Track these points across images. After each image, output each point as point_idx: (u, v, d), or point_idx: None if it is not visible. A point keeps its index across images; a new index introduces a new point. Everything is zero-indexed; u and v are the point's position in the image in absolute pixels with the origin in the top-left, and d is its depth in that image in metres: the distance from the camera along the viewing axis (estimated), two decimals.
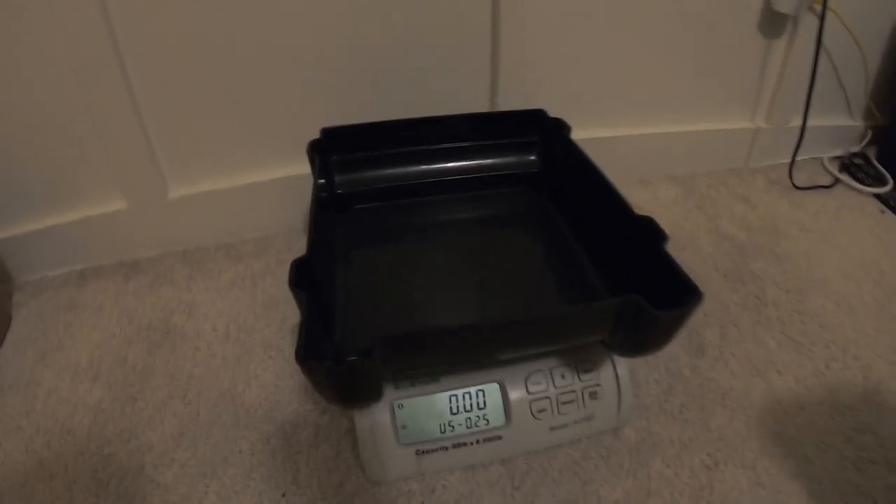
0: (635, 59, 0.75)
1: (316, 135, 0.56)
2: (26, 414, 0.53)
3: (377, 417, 0.43)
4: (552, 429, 0.47)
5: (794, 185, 0.83)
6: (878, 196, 0.81)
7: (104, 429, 0.51)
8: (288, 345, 0.58)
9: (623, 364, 0.48)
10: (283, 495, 0.45)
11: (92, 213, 0.66)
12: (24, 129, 0.60)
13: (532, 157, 0.60)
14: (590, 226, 0.53)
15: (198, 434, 0.50)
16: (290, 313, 0.62)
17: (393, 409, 0.44)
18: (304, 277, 0.39)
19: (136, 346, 0.59)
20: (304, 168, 0.68)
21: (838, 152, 0.90)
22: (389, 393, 0.44)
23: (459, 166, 0.60)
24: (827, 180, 0.85)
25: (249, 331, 0.60)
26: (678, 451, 0.49)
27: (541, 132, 0.59)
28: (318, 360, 0.33)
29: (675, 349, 0.58)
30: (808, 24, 0.75)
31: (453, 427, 0.45)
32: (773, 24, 0.76)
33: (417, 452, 0.44)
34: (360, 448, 0.44)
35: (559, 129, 0.56)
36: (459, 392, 0.45)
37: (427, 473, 0.46)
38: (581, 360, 0.47)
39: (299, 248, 0.71)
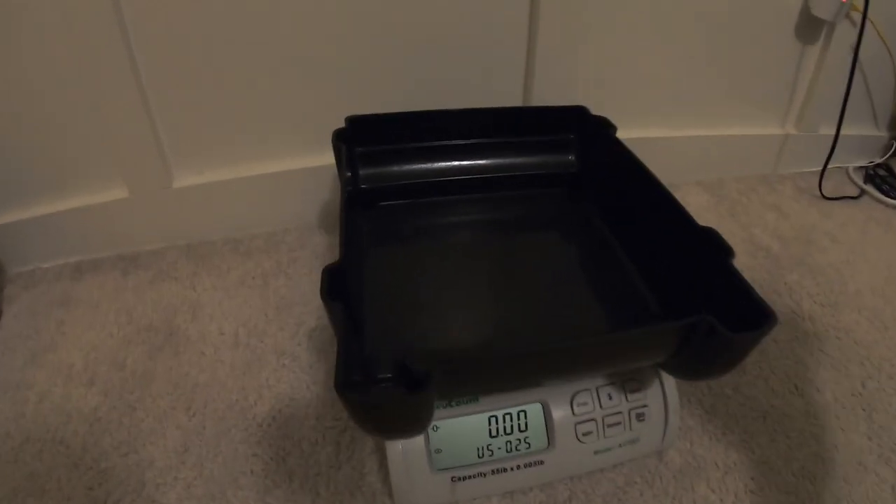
0: (668, 60, 0.71)
1: (334, 125, 0.51)
2: (15, 420, 0.47)
3: (410, 440, 0.38)
4: (596, 452, 0.42)
5: (822, 194, 0.79)
6: None
7: (100, 440, 0.46)
8: (304, 352, 0.53)
9: (671, 384, 0.44)
10: None
11: (91, 202, 0.60)
12: (21, 111, 0.54)
13: (570, 157, 0.56)
14: (636, 234, 0.48)
15: (204, 450, 0.45)
16: (305, 317, 0.56)
17: (427, 432, 0.39)
18: (337, 287, 0.34)
19: (136, 348, 0.53)
20: (319, 160, 0.63)
21: (862, 162, 0.86)
22: None
23: (492, 164, 0.55)
24: (854, 191, 0.82)
25: (261, 335, 0.54)
26: (722, 475, 0.46)
27: (580, 130, 0.54)
28: (361, 389, 0.28)
29: None
30: (844, 31, 0.72)
31: (492, 451, 0.40)
32: (808, 29, 0.73)
33: (453, 479, 0.40)
34: (390, 474, 0.39)
35: (603, 127, 0.51)
36: (500, 413, 0.40)
37: (462, 500, 0.41)
38: (628, 380, 0.43)
39: (314, 244, 0.66)
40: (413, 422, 0.30)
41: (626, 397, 0.43)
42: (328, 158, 0.50)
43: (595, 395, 0.42)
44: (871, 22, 0.71)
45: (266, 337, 0.54)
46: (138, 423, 0.47)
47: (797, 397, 0.52)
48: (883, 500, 0.44)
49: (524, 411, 0.41)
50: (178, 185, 0.61)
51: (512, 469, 0.41)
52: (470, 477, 0.40)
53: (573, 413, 0.41)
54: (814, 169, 0.81)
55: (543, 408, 0.41)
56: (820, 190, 0.79)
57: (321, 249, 0.66)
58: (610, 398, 0.42)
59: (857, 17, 0.70)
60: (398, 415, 0.29)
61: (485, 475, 0.40)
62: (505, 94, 0.65)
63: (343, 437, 0.45)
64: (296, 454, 0.45)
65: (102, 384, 0.50)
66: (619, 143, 0.49)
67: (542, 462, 0.41)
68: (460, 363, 0.30)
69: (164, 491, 0.42)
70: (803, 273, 0.66)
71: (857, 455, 0.47)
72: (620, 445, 0.43)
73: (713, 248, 0.40)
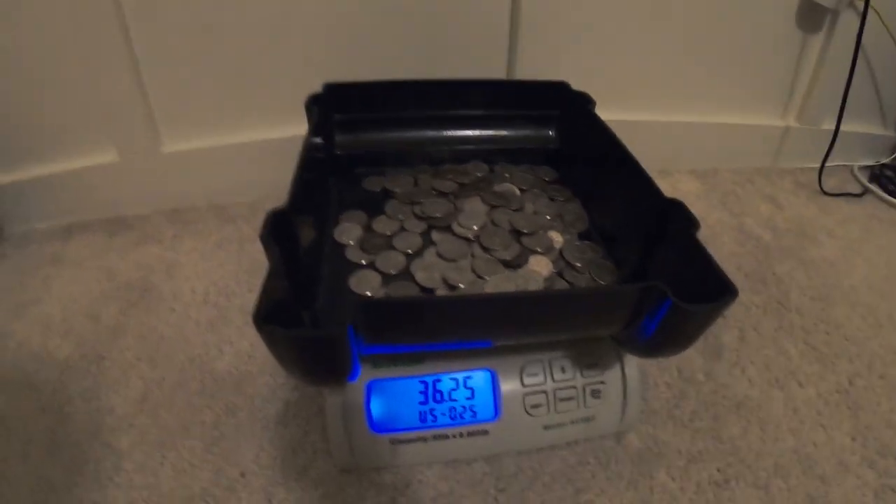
0: (664, 41, 0.67)
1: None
2: None
3: (349, 398, 0.36)
4: (546, 427, 0.39)
5: (822, 190, 0.73)
6: None
7: (67, 386, 0.45)
8: None
9: (632, 362, 0.40)
10: (243, 475, 0.38)
11: (84, 165, 0.59)
12: (19, 74, 0.53)
13: (550, 133, 0.52)
14: (609, 209, 0.45)
15: (161, 400, 0.43)
16: None
17: (367, 391, 0.36)
18: (281, 231, 0.31)
19: (112, 303, 0.52)
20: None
21: (868, 162, 0.80)
22: (365, 372, 0.36)
23: (471, 136, 0.52)
24: (856, 189, 0.76)
25: (229, 295, 0.53)
26: (685, 464, 0.41)
27: (562, 106, 0.51)
28: (279, 322, 0.26)
29: (690, 350, 0.49)
30: (848, 20, 0.66)
31: (435, 416, 0.37)
32: (811, 16, 0.67)
33: (392, 441, 0.37)
34: (328, 431, 0.36)
35: (583, 103, 0.48)
36: (445, 377, 0.37)
37: (402, 465, 0.39)
38: (584, 354, 0.39)
39: None
40: (330, 363, 0.27)
41: (581, 372, 0.39)
42: None
43: (547, 366, 0.39)
44: (876, 12, 0.65)
45: (234, 297, 0.52)
46: (105, 373, 0.46)
47: (776, 389, 0.47)
48: None
49: (471, 378, 0.38)
50: (167, 150, 0.60)
51: (455, 437, 0.38)
52: (410, 441, 0.37)
53: (522, 384, 0.38)
54: (815, 164, 0.75)
55: (492, 376, 0.38)
56: (820, 185, 0.74)
57: None
58: (563, 371, 0.39)
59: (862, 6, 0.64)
60: (315, 352, 0.27)
61: (426, 440, 0.37)
62: (488, 68, 0.62)
63: (293, 395, 0.43)
64: (246, 409, 0.43)
65: (76, 335, 0.49)
66: (595, 117, 0.46)
67: (486, 433, 0.38)
68: (380, 305, 0.27)
69: (119, 436, 0.41)
70: (795, 265, 0.61)
71: (838, 454, 0.43)
72: (573, 422, 0.39)
73: (679, 220, 0.36)
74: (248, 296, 0.52)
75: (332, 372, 0.28)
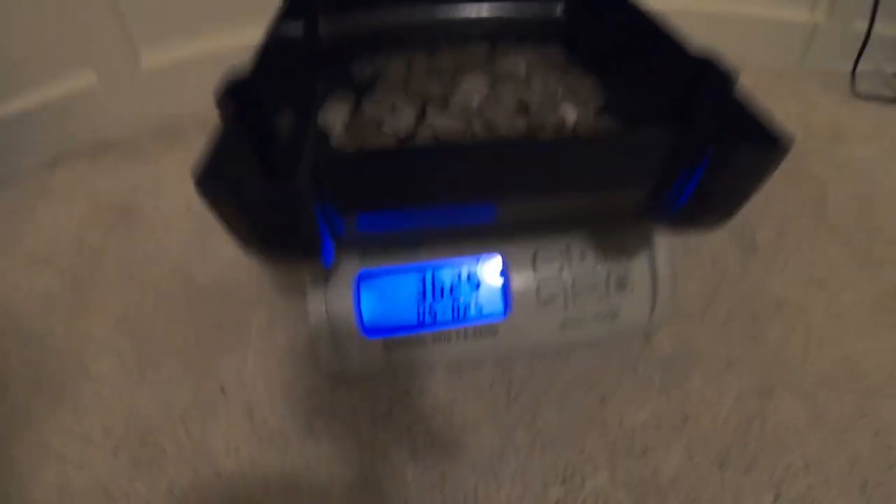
0: None
1: None
2: None
3: (334, 296, 0.30)
4: (564, 324, 0.33)
5: (854, 92, 0.65)
6: None
7: (49, 316, 0.40)
8: None
9: (662, 246, 0.34)
10: (223, 390, 0.33)
11: (63, 92, 0.53)
12: None
13: (559, 8, 0.45)
14: (629, 80, 0.38)
15: (141, 319, 0.39)
16: None
17: (356, 287, 0.31)
18: (246, 101, 0.25)
19: (96, 227, 0.47)
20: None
21: None
22: (352, 264, 0.31)
23: (471, 14, 0.45)
24: (890, 93, 0.67)
25: None
26: (723, 370, 0.36)
27: None
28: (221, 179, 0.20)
29: (724, 242, 0.43)
30: None
31: (435, 313, 0.32)
32: None
33: (386, 345, 0.31)
34: (313, 337, 0.31)
35: None
36: (445, 267, 0.32)
37: (399, 372, 0.33)
38: (608, 237, 0.33)
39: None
40: (281, 232, 0.22)
41: (604, 259, 0.33)
42: None
43: (565, 252, 0.32)
44: None
45: None
46: (85, 298, 0.41)
47: (818, 290, 0.41)
48: None
49: (476, 267, 0.32)
50: (146, 65, 0.54)
51: (459, 338, 0.32)
52: (407, 344, 0.31)
53: (535, 273, 0.32)
54: (845, 66, 0.66)
55: (499, 264, 0.32)
56: (852, 87, 0.65)
57: None
58: (583, 258, 0.33)
59: None
60: (263, 213, 0.21)
61: (425, 343, 0.32)
62: None
63: (280, 303, 0.38)
64: (229, 320, 0.38)
65: (59, 264, 0.44)
66: None
67: (495, 331, 0.32)
68: (347, 158, 0.21)
69: (98, 362, 0.37)
70: (830, 165, 0.53)
71: (889, 366, 0.37)
72: (595, 318, 0.33)
73: (712, 78, 0.29)
74: None
75: (291, 241, 0.22)
